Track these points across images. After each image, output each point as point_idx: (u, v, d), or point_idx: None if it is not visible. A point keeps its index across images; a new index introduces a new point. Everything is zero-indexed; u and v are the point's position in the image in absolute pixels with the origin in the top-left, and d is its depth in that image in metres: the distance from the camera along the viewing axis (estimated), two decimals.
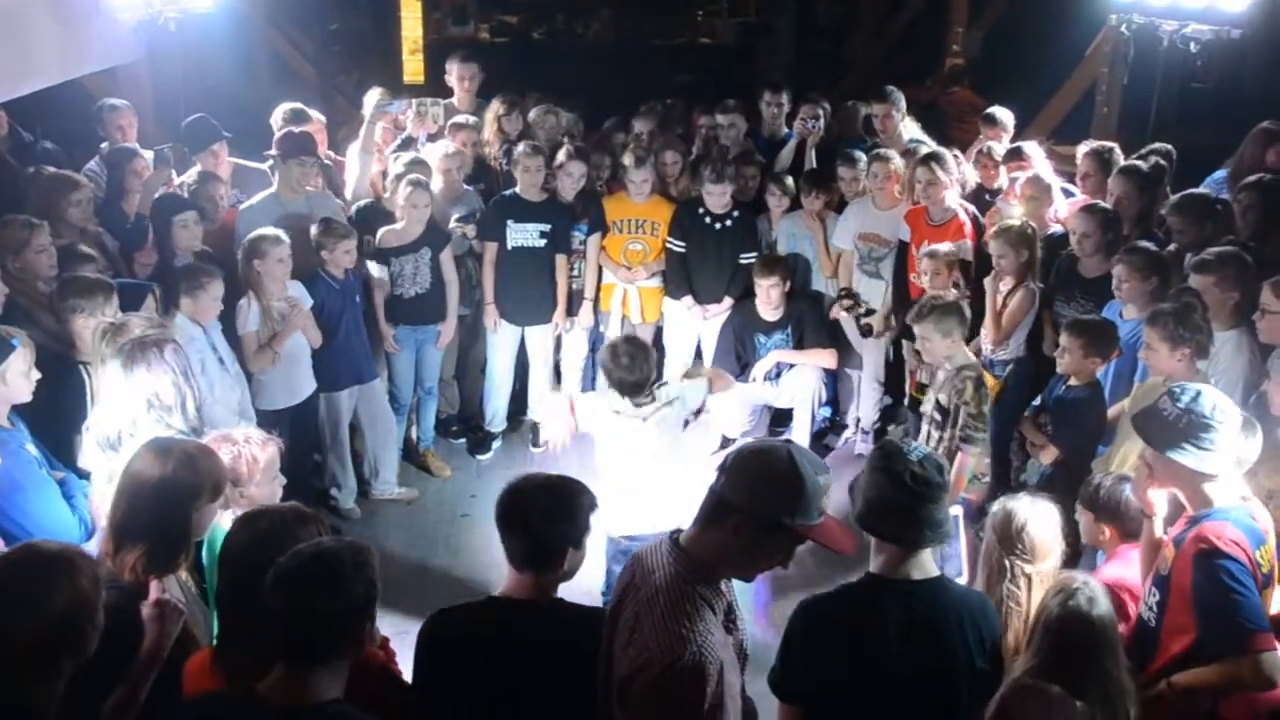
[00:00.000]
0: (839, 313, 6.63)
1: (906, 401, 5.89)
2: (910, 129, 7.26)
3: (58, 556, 2.44)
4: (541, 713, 2.73)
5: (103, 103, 6.44)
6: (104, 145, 6.39)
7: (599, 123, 7.91)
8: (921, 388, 5.77)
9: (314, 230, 5.72)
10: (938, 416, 5.05)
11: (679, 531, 2.55)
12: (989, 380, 5.66)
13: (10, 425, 3.81)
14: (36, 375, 3.82)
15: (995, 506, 3.50)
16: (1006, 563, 3.33)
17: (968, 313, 5.15)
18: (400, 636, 3.17)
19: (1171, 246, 5.38)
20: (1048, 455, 4.86)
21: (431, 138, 6.97)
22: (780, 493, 2.41)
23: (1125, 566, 3.60)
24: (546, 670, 2.70)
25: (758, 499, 2.42)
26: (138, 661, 2.75)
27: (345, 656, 2.40)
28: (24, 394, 3.80)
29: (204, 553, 3.33)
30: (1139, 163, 5.97)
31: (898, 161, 6.49)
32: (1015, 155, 6.54)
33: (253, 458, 3.46)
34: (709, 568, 2.47)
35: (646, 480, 4.68)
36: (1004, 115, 7.20)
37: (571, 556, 2.83)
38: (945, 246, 5.93)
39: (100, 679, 2.62)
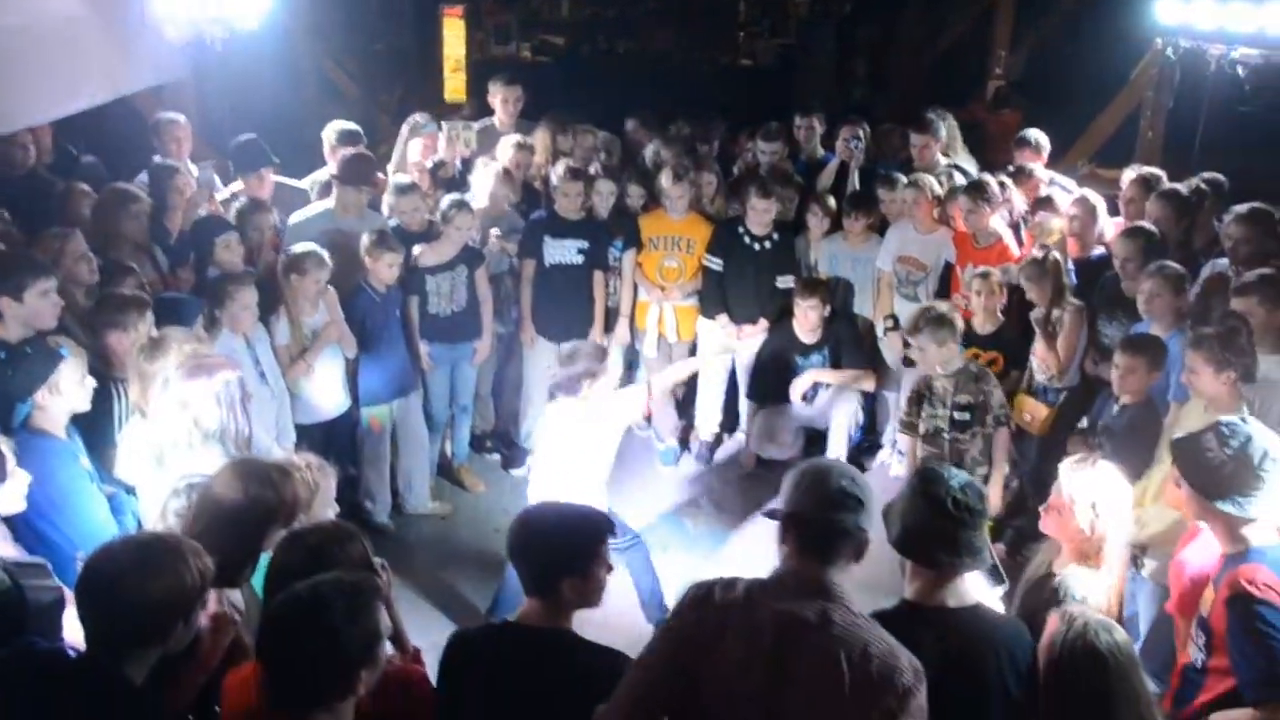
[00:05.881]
0: (891, 337, 6.56)
1: (899, 426, 5.92)
2: (961, 156, 7.24)
3: (174, 551, 2.54)
4: None
5: (159, 116, 6.51)
6: (156, 158, 6.48)
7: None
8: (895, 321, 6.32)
9: (365, 239, 5.79)
10: (964, 417, 5.38)
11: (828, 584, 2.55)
12: (1041, 409, 5.63)
13: (67, 437, 3.86)
14: (92, 382, 3.88)
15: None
16: None
17: (959, 322, 5.44)
18: (433, 650, 3.17)
19: (1220, 261, 5.29)
20: None
21: (465, 162, 7.01)
22: None
23: (1206, 550, 3.37)
24: (546, 701, 2.70)
25: None
26: (189, 668, 2.79)
27: (338, 701, 2.36)
28: (81, 403, 3.86)
29: None
30: (1179, 186, 5.89)
31: (933, 186, 6.48)
32: (1022, 174, 6.82)
33: (314, 484, 3.54)
34: None
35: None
36: (1039, 137, 7.18)
37: (575, 586, 2.82)
38: (997, 271, 5.96)
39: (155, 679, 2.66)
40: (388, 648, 2.48)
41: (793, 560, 2.60)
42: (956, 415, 5.41)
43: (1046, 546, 3.53)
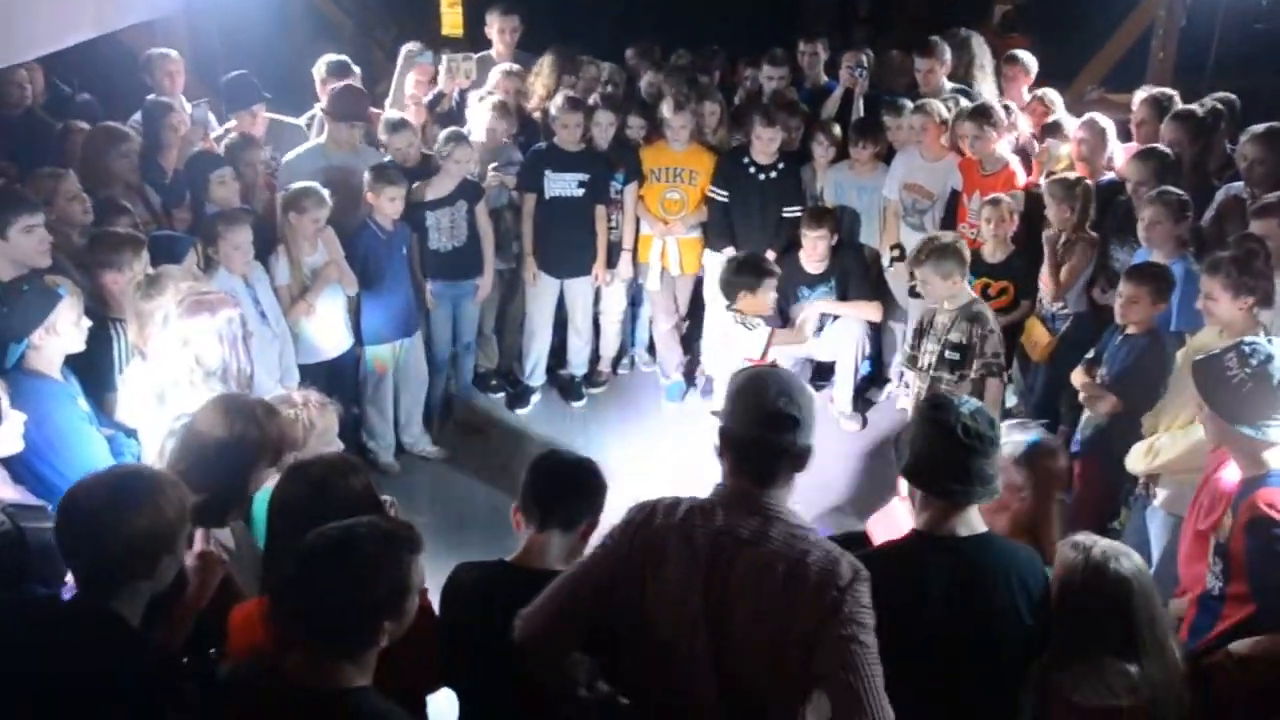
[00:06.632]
0: (897, 268, 6.48)
1: (903, 359, 5.73)
2: (988, 82, 7.08)
3: (150, 482, 2.48)
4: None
5: (151, 52, 6.38)
6: (150, 96, 6.36)
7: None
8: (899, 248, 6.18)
9: (366, 175, 5.70)
10: (954, 356, 5.19)
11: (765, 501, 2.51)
12: (1045, 336, 5.56)
13: (63, 379, 3.82)
14: (88, 323, 3.83)
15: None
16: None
17: (966, 254, 5.25)
18: (438, 590, 3.15)
19: (1235, 185, 5.18)
20: (1106, 405, 4.69)
21: (463, 93, 6.88)
22: None
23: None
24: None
25: None
26: (177, 608, 2.75)
27: (362, 649, 2.29)
28: (77, 343, 3.81)
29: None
30: (1193, 107, 5.76)
31: (940, 111, 6.34)
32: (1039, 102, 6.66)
33: (309, 422, 3.48)
34: None
35: None
36: (1026, 57, 7.04)
37: (590, 527, 2.85)
38: (1008, 197, 5.84)
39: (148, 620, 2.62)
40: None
41: (731, 479, 2.57)
42: (947, 353, 5.22)
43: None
